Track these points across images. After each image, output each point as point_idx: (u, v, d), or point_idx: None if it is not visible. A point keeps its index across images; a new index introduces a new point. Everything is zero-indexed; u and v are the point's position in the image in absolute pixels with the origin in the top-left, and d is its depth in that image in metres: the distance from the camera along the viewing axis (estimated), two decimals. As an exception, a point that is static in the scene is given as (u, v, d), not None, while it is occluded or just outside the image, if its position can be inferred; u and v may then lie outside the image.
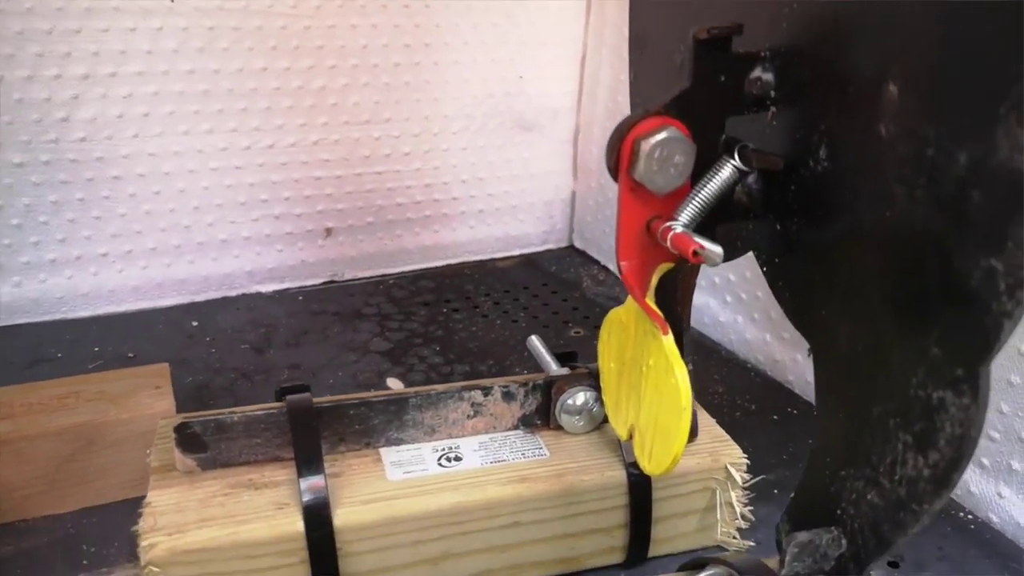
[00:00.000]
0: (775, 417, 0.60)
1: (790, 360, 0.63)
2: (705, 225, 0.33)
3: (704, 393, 0.62)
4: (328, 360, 0.65)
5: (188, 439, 0.40)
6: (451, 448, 0.44)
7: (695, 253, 0.30)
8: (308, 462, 0.39)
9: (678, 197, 0.32)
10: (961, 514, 0.51)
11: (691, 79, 0.31)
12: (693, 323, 0.73)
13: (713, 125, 0.32)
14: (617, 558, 0.45)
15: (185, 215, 0.70)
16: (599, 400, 0.44)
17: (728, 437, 0.47)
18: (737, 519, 0.46)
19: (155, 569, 0.36)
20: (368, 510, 0.39)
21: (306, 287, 0.77)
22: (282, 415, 0.41)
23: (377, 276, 0.80)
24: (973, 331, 0.24)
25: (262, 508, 0.39)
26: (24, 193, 0.64)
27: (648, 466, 0.35)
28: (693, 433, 0.45)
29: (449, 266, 0.83)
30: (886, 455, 0.29)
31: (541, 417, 0.46)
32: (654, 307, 0.34)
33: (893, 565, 0.47)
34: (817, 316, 0.32)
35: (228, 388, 0.60)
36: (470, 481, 0.42)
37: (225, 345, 0.66)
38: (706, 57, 0.31)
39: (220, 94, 0.68)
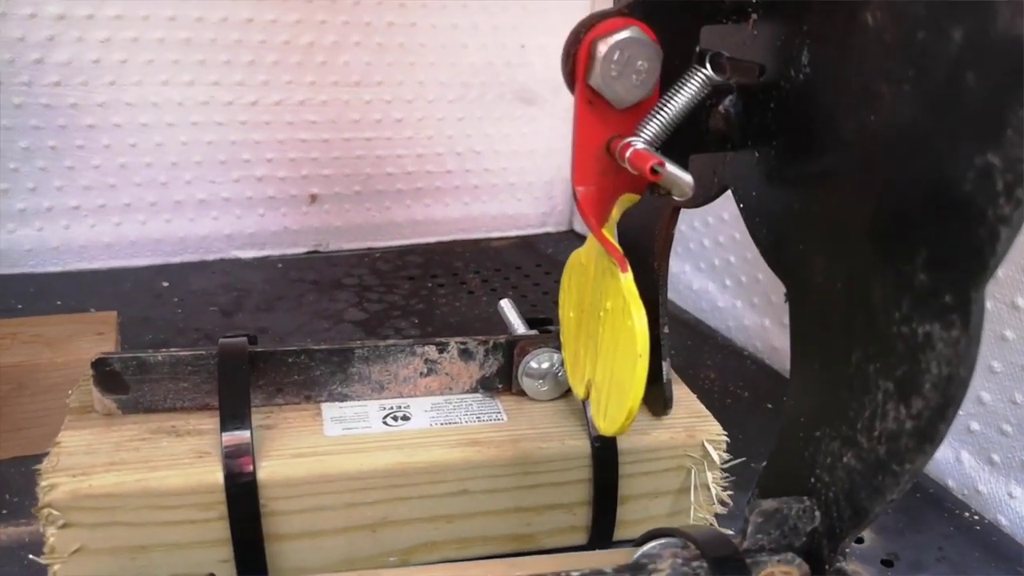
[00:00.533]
0: (769, 405, 0.56)
1: (789, 347, 0.59)
2: (678, 157, 0.29)
3: (696, 379, 0.58)
4: (298, 327, 0.61)
5: (107, 377, 0.36)
6: (400, 407, 0.40)
7: (653, 170, 0.26)
8: (233, 407, 0.35)
9: (642, 112, 0.28)
10: (967, 514, 0.46)
11: (661, -23, 0.28)
12: (691, 310, 0.69)
13: (685, 33, 0.29)
14: (579, 539, 0.41)
15: (162, 171, 0.68)
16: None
17: (708, 413, 0.42)
18: (714, 503, 0.41)
19: (55, 512, 0.33)
20: (296, 464, 0.36)
21: (287, 255, 0.74)
22: (212, 359, 0.37)
23: (363, 248, 0.77)
24: (965, 246, 0.20)
25: (180, 455, 0.35)
26: (-7, 138, 0.62)
27: (603, 425, 0.31)
28: (666, 404, 0.41)
29: (440, 243, 0.80)
30: (864, 408, 0.25)
31: (502, 380, 0.42)
32: (612, 240, 0.30)
33: (887, 564, 0.42)
34: (794, 251, 0.28)
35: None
36: (415, 441, 0.38)
37: (193, 307, 0.63)
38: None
39: (202, 44, 0.65)
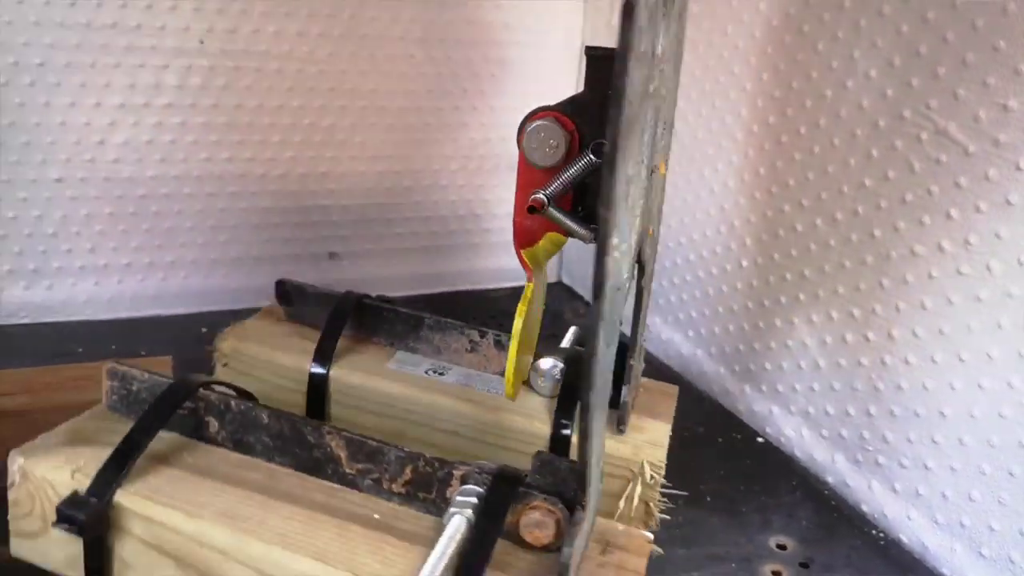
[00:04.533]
0: (720, 440, 0.65)
1: (738, 391, 0.69)
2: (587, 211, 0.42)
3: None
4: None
5: (283, 294, 0.58)
6: (442, 367, 0.54)
7: (530, 208, 0.39)
8: (333, 330, 0.53)
9: (554, 173, 0.41)
10: (874, 531, 0.55)
11: (585, 86, 0.40)
12: (661, 357, 0.79)
13: (597, 125, 0.40)
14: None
15: (201, 233, 0.78)
16: (563, 371, 0.51)
17: (663, 444, 0.50)
18: (654, 518, 0.50)
19: (223, 356, 0.55)
20: (356, 373, 0.52)
21: (308, 305, 0.84)
22: (342, 299, 0.56)
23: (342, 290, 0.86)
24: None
25: (301, 349, 0.54)
26: (60, 206, 0.73)
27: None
28: (619, 423, 0.50)
29: (444, 293, 0.90)
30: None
31: None
32: (525, 259, 0.43)
33: (803, 566, 0.51)
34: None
35: (225, 387, 0.67)
36: (429, 386, 0.52)
37: (228, 350, 0.73)
38: (595, 69, 0.39)
39: (240, 126, 0.76)
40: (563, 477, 0.37)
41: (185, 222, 0.77)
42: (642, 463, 0.49)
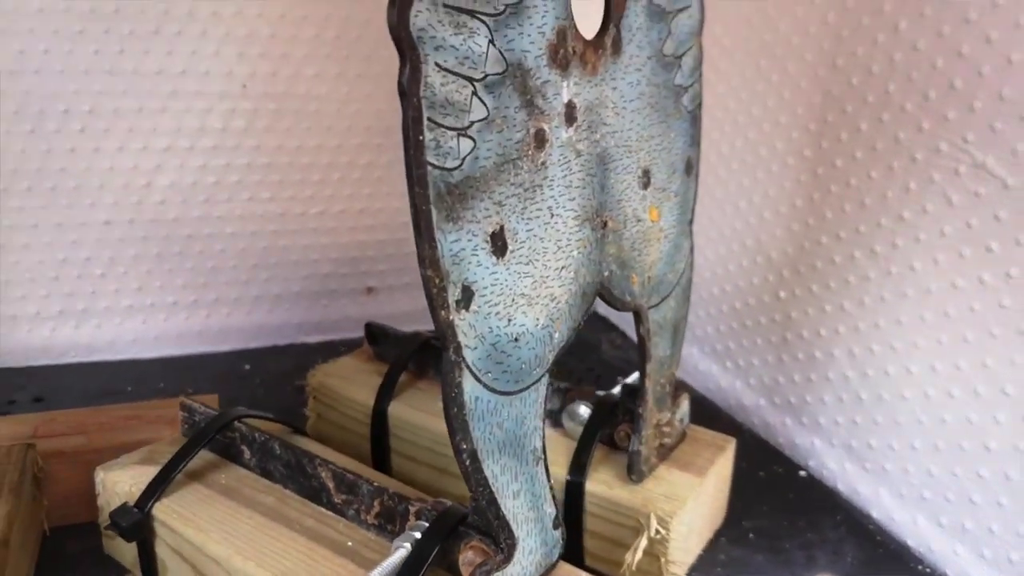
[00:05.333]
0: (761, 473, 0.65)
1: (779, 423, 0.68)
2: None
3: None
4: (360, 403, 0.72)
5: (370, 334, 0.64)
6: None
7: None
8: (396, 369, 0.59)
9: None
10: (920, 567, 0.55)
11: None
12: (699, 389, 0.78)
13: None
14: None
15: (244, 271, 0.80)
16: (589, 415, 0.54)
17: (685, 498, 0.49)
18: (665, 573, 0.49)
19: (312, 390, 0.62)
20: (411, 410, 0.57)
21: (347, 338, 0.85)
22: (408, 339, 0.62)
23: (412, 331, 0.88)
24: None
25: (369, 386, 0.59)
26: (109, 248, 0.75)
27: None
28: (630, 471, 0.50)
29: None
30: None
31: (553, 417, 0.55)
32: None
33: (848, 606, 0.51)
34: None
35: (270, 423, 0.68)
36: None
37: (272, 386, 0.74)
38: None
39: (281, 166, 0.78)
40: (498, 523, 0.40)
41: (228, 261, 0.79)
42: (649, 515, 0.48)
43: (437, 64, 0.33)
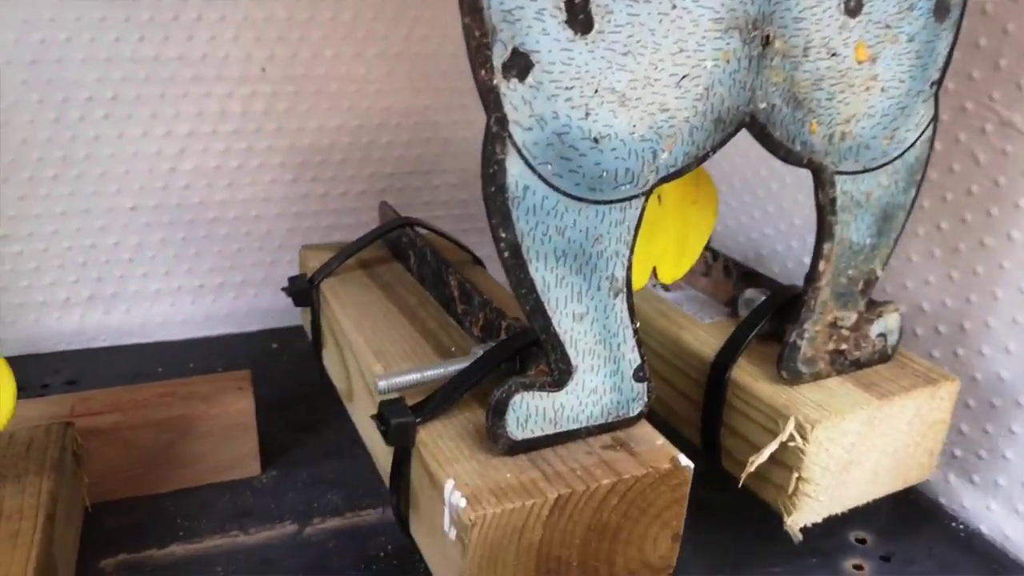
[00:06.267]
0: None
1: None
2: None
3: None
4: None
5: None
6: (673, 285, 0.58)
7: None
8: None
9: None
10: (953, 524, 0.55)
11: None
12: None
13: None
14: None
15: (269, 253, 0.81)
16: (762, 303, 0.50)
17: (844, 414, 0.42)
18: (793, 500, 0.42)
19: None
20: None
21: (372, 319, 0.86)
22: None
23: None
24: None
25: None
26: (136, 233, 0.76)
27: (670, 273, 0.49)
28: (783, 366, 0.44)
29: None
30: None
31: (732, 305, 0.56)
32: None
33: (885, 560, 0.51)
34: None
35: (302, 398, 0.69)
36: (645, 299, 0.58)
37: (301, 363, 0.75)
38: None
39: (302, 148, 0.78)
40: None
41: (253, 243, 0.80)
42: (789, 418, 0.42)
43: None
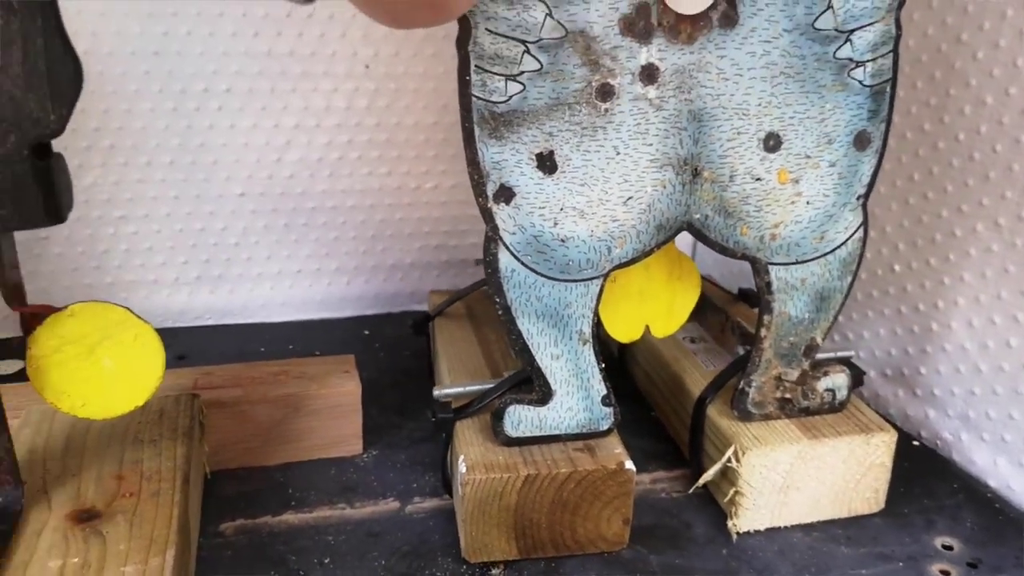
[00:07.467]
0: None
1: (891, 395, 0.69)
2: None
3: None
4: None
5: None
6: (701, 337, 0.67)
7: None
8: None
9: None
10: (1042, 534, 0.56)
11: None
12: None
13: None
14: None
15: (362, 243, 0.84)
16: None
17: (774, 446, 0.51)
18: (734, 516, 0.53)
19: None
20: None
21: (457, 309, 0.89)
22: None
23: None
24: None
25: None
26: (242, 219, 0.79)
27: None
28: (740, 411, 0.53)
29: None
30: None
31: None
32: None
33: (972, 566, 0.52)
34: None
35: (392, 384, 0.72)
36: (671, 345, 0.66)
37: (391, 349, 0.78)
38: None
39: (399, 143, 0.81)
40: None
41: (349, 232, 0.83)
42: (731, 446, 0.52)
43: (488, 29, 0.40)
